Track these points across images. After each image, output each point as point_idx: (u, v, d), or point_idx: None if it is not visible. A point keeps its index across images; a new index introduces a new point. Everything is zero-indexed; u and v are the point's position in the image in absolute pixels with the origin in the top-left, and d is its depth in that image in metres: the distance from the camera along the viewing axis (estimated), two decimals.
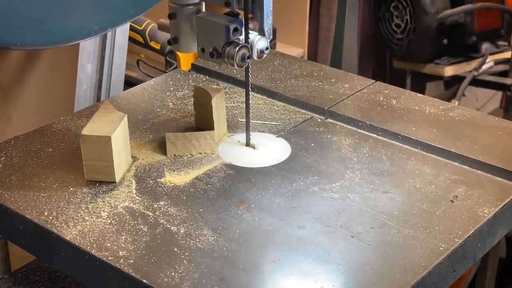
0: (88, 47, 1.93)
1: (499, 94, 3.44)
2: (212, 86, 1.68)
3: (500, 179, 1.34)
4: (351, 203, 1.27)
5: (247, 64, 1.35)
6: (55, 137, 1.47)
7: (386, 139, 1.47)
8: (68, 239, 1.17)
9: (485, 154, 1.39)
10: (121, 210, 1.24)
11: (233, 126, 1.52)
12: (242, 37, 1.33)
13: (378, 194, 1.29)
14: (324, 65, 1.89)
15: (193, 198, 1.28)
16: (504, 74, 2.86)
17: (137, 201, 1.27)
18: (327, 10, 3.11)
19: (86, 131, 1.30)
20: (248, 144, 1.45)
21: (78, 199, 1.27)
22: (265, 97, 1.64)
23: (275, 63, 1.78)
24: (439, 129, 1.49)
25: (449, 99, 2.85)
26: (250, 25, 1.32)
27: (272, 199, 1.28)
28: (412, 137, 1.45)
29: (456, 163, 1.39)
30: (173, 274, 1.10)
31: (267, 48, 1.35)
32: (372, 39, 3.21)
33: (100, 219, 1.22)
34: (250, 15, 1.32)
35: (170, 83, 1.71)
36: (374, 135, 1.49)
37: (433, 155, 1.41)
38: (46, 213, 1.23)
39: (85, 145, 1.30)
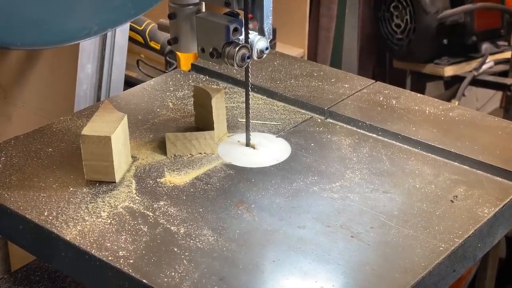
0: (88, 47, 1.93)
1: (499, 94, 3.43)
2: (212, 86, 1.68)
3: (500, 179, 1.34)
4: (351, 203, 1.27)
5: (247, 64, 1.35)
6: (55, 137, 1.47)
7: (386, 139, 1.47)
8: (68, 239, 1.17)
9: (485, 154, 1.39)
10: (121, 210, 1.24)
11: (233, 126, 1.52)
12: (242, 37, 1.33)
13: (378, 194, 1.29)
14: (324, 65, 1.89)
15: (193, 198, 1.28)
16: (504, 74, 2.86)
17: (137, 201, 1.27)
18: (327, 10, 3.11)
19: (86, 131, 1.30)
20: (248, 144, 1.45)
21: (78, 199, 1.27)
22: (265, 97, 1.64)
23: (275, 63, 1.78)
24: (439, 129, 1.49)
25: (449, 99, 2.85)
26: (250, 25, 1.32)
27: (272, 199, 1.28)
28: (412, 137, 1.45)
29: (456, 163, 1.39)
30: (173, 274, 1.10)
31: (267, 48, 1.35)
32: (372, 39, 3.21)
33: (100, 219, 1.22)
34: (250, 15, 1.32)
35: (170, 83, 1.71)
36: (374, 135, 1.49)
37: (433, 155, 1.41)
38: (46, 213, 1.23)
39: (85, 145, 1.30)
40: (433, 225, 1.21)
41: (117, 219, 1.22)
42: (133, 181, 1.33)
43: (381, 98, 1.61)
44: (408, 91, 1.68)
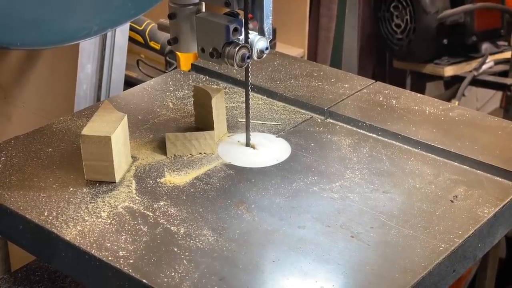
0: (88, 47, 1.93)
1: (499, 94, 3.43)
2: (212, 86, 1.68)
3: (500, 179, 1.34)
4: (351, 203, 1.27)
5: (247, 64, 1.35)
6: (55, 137, 1.47)
7: (386, 139, 1.47)
8: (68, 239, 1.17)
9: (485, 154, 1.39)
10: (121, 210, 1.24)
11: (233, 126, 1.52)
12: (242, 37, 1.33)
13: (378, 194, 1.29)
14: (324, 65, 1.89)
15: (193, 198, 1.28)
16: (504, 74, 2.86)
17: (137, 201, 1.27)
18: (327, 10, 3.11)
19: (86, 131, 1.30)
20: (248, 144, 1.45)
21: (78, 199, 1.27)
22: (265, 97, 1.64)
23: (275, 63, 1.78)
24: (439, 129, 1.49)
25: (449, 99, 2.85)
26: (250, 25, 1.32)
27: (272, 199, 1.28)
28: (412, 137, 1.45)
29: (456, 163, 1.39)
30: (173, 274, 1.10)
31: (267, 48, 1.35)
32: (372, 39, 3.21)
33: (100, 219, 1.22)
34: (250, 15, 1.32)
35: (170, 83, 1.71)
36: (374, 135, 1.49)
37: (433, 155, 1.41)
38: (46, 213, 1.23)
39: (85, 145, 1.30)
40: (433, 225, 1.21)
41: (117, 219, 1.22)
42: (133, 181, 1.33)
43: (381, 98, 1.61)
44: (408, 91, 1.68)
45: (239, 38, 1.32)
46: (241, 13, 1.32)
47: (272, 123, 1.54)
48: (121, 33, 2.00)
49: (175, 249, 1.15)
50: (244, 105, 1.44)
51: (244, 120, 1.44)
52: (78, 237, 1.17)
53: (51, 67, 2.00)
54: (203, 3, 1.37)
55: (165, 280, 1.08)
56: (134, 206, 1.26)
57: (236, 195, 1.29)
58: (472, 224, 1.21)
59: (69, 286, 1.39)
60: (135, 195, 1.29)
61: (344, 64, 3.18)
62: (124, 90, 1.99)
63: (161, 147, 1.43)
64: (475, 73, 2.82)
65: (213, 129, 1.43)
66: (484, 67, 2.83)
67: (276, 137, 1.49)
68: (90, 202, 1.26)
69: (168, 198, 1.28)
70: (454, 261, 1.17)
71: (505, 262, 2.56)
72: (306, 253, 1.14)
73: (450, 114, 1.55)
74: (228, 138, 1.49)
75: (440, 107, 1.58)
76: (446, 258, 1.14)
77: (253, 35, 1.33)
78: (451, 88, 3.09)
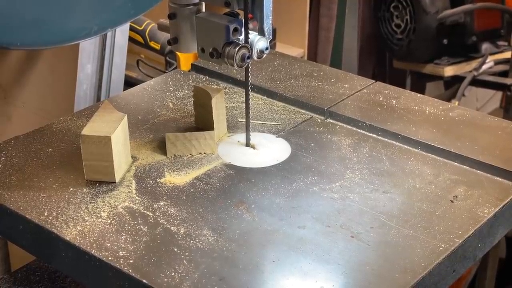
0: (88, 47, 1.93)
1: (499, 94, 3.43)
2: (212, 86, 1.68)
3: (500, 179, 1.34)
4: (351, 203, 1.27)
5: (247, 64, 1.35)
6: (55, 137, 1.47)
7: (386, 139, 1.47)
8: (68, 239, 1.17)
9: (485, 154, 1.39)
10: (121, 210, 1.24)
11: (233, 126, 1.52)
12: (242, 37, 1.33)
13: (378, 194, 1.29)
14: (324, 65, 1.89)
15: (193, 198, 1.28)
16: (504, 74, 2.86)
17: (137, 201, 1.27)
18: (327, 10, 3.11)
19: (86, 131, 1.30)
20: (248, 144, 1.45)
21: (78, 199, 1.27)
22: (265, 97, 1.64)
23: (275, 63, 1.78)
24: (439, 129, 1.49)
25: (449, 99, 2.85)
26: (250, 25, 1.32)
27: (272, 199, 1.28)
28: (412, 137, 1.45)
29: (456, 163, 1.39)
30: (173, 274, 1.10)
31: (267, 48, 1.35)
32: (372, 39, 3.21)
33: (100, 219, 1.22)
34: (250, 15, 1.31)
35: (170, 83, 1.71)
36: (374, 135, 1.49)
37: (433, 155, 1.41)
38: (46, 213, 1.23)
39: (85, 145, 1.30)
40: (433, 225, 1.21)
41: (117, 219, 1.22)
42: (133, 181, 1.33)
43: (381, 98, 1.61)
44: (408, 91, 1.68)
45: (239, 38, 1.32)
46: (241, 13, 1.32)
47: (272, 123, 1.54)
48: (121, 33, 2.00)
49: (175, 249, 1.15)
50: (244, 105, 1.44)
51: (244, 120, 1.44)
52: (78, 237, 1.17)
53: (51, 67, 2.00)
54: (203, 3, 1.37)
55: (165, 280, 1.08)
56: (134, 206, 1.26)
57: (236, 195, 1.29)
58: (472, 224, 1.21)
59: (69, 286, 1.39)
60: (135, 195, 1.29)
61: (344, 64, 3.18)
62: (124, 90, 1.99)
63: (161, 147, 1.43)
64: (475, 73, 2.82)
65: (213, 129, 1.43)
66: (484, 67, 2.83)
67: (276, 137, 1.49)
68: (90, 202, 1.26)
69: (168, 198, 1.28)
70: (454, 261, 1.17)
71: (505, 262, 2.56)
72: (306, 253, 1.14)
73: (450, 114, 1.55)
74: (228, 138, 1.49)
75: (440, 107, 1.58)
76: (446, 258, 1.14)
77: (253, 35, 1.33)
78: (451, 88, 3.09)
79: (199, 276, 1.09)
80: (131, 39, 2.12)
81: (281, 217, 1.23)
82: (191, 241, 1.17)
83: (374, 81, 1.70)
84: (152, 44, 2.18)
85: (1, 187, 1.30)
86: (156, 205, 1.26)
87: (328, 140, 1.47)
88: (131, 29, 2.14)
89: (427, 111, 1.56)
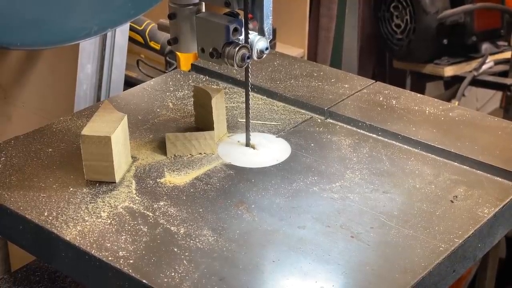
0: (88, 47, 1.93)
1: (499, 94, 3.43)
2: (212, 86, 1.68)
3: (500, 179, 1.34)
4: (351, 203, 1.27)
5: (247, 64, 1.35)
6: (55, 137, 1.47)
7: (386, 139, 1.47)
8: (68, 239, 1.17)
9: (485, 154, 1.39)
10: (121, 210, 1.24)
11: (233, 126, 1.52)
12: (242, 37, 1.33)
13: (378, 194, 1.29)
14: (324, 65, 1.89)
15: (193, 198, 1.28)
16: (504, 74, 2.86)
17: (137, 201, 1.27)
18: (327, 10, 3.11)
19: (86, 131, 1.30)
20: (248, 144, 1.45)
21: (78, 199, 1.27)
22: (265, 97, 1.64)
23: (275, 63, 1.78)
24: (439, 129, 1.49)
25: (449, 99, 2.85)
26: (250, 25, 1.32)
27: (272, 199, 1.28)
28: (412, 137, 1.45)
29: (456, 163, 1.39)
30: (173, 274, 1.10)
31: (267, 48, 1.35)
32: (372, 39, 3.21)
33: (100, 219, 1.22)
34: (250, 15, 1.31)
35: (170, 83, 1.71)
36: (374, 135, 1.49)
37: (433, 155, 1.41)
38: (46, 213, 1.23)
39: (85, 145, 1.30)
40: (433, 225, 1.21)
41: (117, 219, 1.22)
42: (133, 181, 1.33)
43: (381, 98, 1.61)
44: (408, 91, 1.68)
45: (239, 38, 1.32)
46: (241, 13, 1.32)
47: (272, 123, 1.54)
48: (121, 33, 2.00)
49: (175, 249, 1.15)
50: (244, 105, 1.44)
51: (244, 120, 1.44)
52: (78, 237, 1.17)
53: (51, 67, 2.00)
54: (203, 3, 1.37)
55: (165, 280, 1.08)
56: (134, 206, 1.26)
57: (236, 195, 1.29)
58: (472, 224, 1.21)
59: (69, 286, 1.39)
60: (135, 195, 1.29)
61: (344, 64, 3.18)
62: (124, 90, 1.99)
63: (161, 147, 1.43)
64: (475, 73, 2.82)
65: (213, 129, 1.43)
66: (484, 67, 2.83)
67: (276, 137, 1.49)
68: (90, 202, 1.26)
69: (168, 198, 1.28)
70: (454, 261, 1.17)
71: (505, 262, 2.56)
72: (306, 253, 1.14)
73: (450, 114, 1.55)
74: (228, 138, 1.49)
75: (440, 107, 1.58)
76: (446, 258, 1.14)
77: (253, 35, 1.33)
78: (451, 88, 3.09)
79: (199, 276, 1.09)
80: (131, 39, 2.12)
81: (281, 217, 1.23)
82: (191, 241, 1.17)
83: (374, 81, 1.70)
84: (152, 44, 2.18)
85: (1, 187, 1.30)
86: (156, 205, 1.26)
87: (328, 140, 1.47)
88: (131, 29, 2.14)
89: (427, 111, 1.56)
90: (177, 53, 1.99)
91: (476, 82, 2.88)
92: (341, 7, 3.12)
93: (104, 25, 1.21)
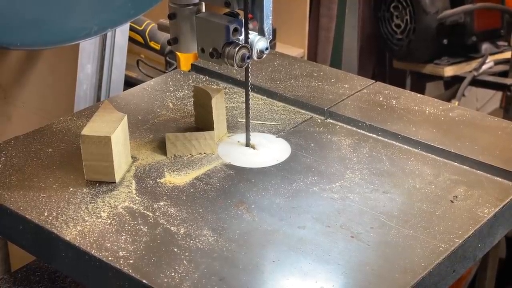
0: (88, 47, 1.93)
1: (499, 94, 3.44)
2: (212, 86, 1.68)
3: (500, 179, 1.34)
4: (351, 203, 1.27)
5: (247, 64, 1.35)
6: (55, 137, 1.47)
7: (386, 139, 1.47)
8: (68, 239, 1.17)
9: (485, 154, 1.39)
10: (121, 210, 1.24)
11: (233, 126, 1.52)
12: (242, 37, 1.33)
13: (378, 194, 1.29)
14: (324, 65, 1.89)
15: (193, 199, 1.28)
16: (504, 74, 2.86)
17: (137, 201, 1.27)
18: (327, 10, 3.11)
19: (86, 131, 1.30)
20: (248, 144, 1.45)
21: (78, 199, 1.27)
22: (265, 97, 1.64)
23: (275, 63, 1.78)
24: (439, 129, 1.49)
25: (449, 99, 2.85)
26: (250, 25, 1.32)
27: (272, 199, 1.28)
28: (412, 137, 1.45)
29: (456, 163, 1.39)
30: (173, 274, 1.10)
31: (267, 48, 1.35)
32: (372, 39, 3.21)
33: (100, 220, 1.22)
34: (250, 15, 1.31)
35: (170, 83, 1.71)
36: (374, 135, 1.49)
37: (433, 155, 1.41)
38: (46, 213, 1.23)
39: (85, 145, 1.30)
40: (433, 225, 1.21)
41: (117, 219, 1.22)
42: (133, 181, 1.33)
43: (381, 98, 1.61)
44: (408, 91, 1.68)
45: (239, 38, 1.32)
46: (241, 13, 1.32)
47: (272, 123, 1.54)
48: (121, 33, 2.00)
49: (175, 249, 1.15)
50: (244, 105, 1.44)
51: (244, 120, 1.44)
52: (78, 237, 1.17)
53: (51, 67, 2.00)
54: (203, 3, 1.37)
55: (165, 280, 1.08)
56: (134, 206, 1.26)
57: (236, 195, 1.29)
58: (472, 224, 1.21)
59: (69, 286, 1.39)
60: (135, 195, 1.29)
61: (344, 64, 3.18)
62: (124, 90, 1.99)
63: (161, 147, 1.43)
64: (475, 73, 2.82)
65: (213, 129, 1.43)
66: (484, 67, 2.83)
67: (276, 137, 1.49)
68: (90, 202, 1.26)
69: (168, 198, 1.28)
70: (454, 261, 1.17)
71: (505, 262, 2.56)
72: (306, 253, 1.14)
73: (450, 114, 1.55)
74: (228, 138, 1.49)
75: (440, 107, 1.58)
76: (446, 258, 1.14)
77: (253, 35, 1.33)
78: (451, 88, 3.09)
79: (199, 276, 1.09)
80: (131, 39, 2.12)
81: (281, 217, 1.23)
82: (191, 241, 1.17)
83: (374, 81, 1.70)
84: (152, 44, 2.18)
85: (1, 187, 1.30)
86: (156, 205, 1.26)
87: (328, 140, 1.47)
88: (131, 29, 2.14)
89: (427, 111, 1.56)
90: (177, 53, 1.99)
91: (476, 82, 2.88)
92: (341, 7, 3.12)
93: (104, 25, 1.21)
